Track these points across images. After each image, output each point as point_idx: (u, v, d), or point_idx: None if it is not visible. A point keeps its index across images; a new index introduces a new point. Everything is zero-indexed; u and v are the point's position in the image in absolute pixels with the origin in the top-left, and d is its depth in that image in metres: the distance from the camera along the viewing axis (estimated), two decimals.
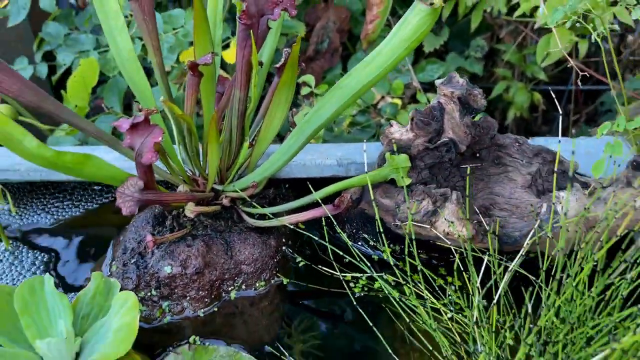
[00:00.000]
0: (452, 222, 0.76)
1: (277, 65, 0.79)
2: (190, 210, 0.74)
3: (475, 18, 1.38)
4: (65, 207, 1.01)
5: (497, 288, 0.63)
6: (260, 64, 0.80)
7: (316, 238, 0.87)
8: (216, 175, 0.79)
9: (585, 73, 1.01)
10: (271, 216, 0.82)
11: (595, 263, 0.60)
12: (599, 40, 0.79)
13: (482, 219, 0.77)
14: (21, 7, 1.25)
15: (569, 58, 0.96)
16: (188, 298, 0.78)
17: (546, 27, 0.93)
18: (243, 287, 0.80)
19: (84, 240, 0.94)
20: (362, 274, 0.81)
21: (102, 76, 1.24)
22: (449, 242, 0.78)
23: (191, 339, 0.74)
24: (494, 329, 0.61)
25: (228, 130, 0.77)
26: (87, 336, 0.74)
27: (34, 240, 0.95)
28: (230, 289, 0.80)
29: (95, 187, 1.04)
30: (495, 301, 0.60)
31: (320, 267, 0.82)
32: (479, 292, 0.63)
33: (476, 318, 0.62)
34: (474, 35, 1.50)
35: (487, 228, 0.77)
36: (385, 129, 0.83)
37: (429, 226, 0.77)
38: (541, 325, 0.59)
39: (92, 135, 0.72)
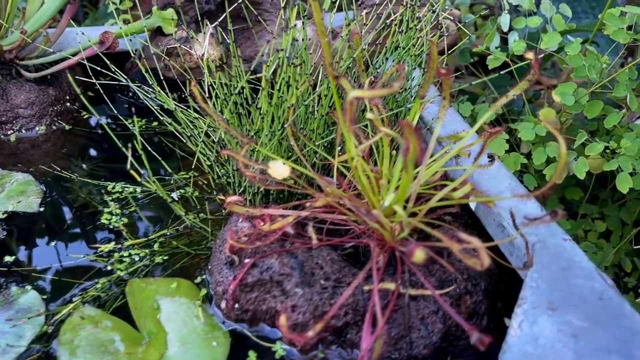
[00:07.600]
0: (208, 45, 0.87)
1: None
2: None
3: None
4: None
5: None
6: None
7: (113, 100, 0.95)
8: None
9: None
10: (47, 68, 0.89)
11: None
12: None
13: (232, 43, 0.89)
14: None
15: None
16: None
17: None
18: (23, 130, 0.86)
19: None
20: (141, 118, 0.91)
21: None
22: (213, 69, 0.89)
23: None
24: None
25: None
26: None
27: None
28: (9, 132, 0.86)
29: None
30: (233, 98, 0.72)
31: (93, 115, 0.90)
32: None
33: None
34: None
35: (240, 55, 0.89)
36: None
37: (186, 48, 0.88)
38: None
39: None
